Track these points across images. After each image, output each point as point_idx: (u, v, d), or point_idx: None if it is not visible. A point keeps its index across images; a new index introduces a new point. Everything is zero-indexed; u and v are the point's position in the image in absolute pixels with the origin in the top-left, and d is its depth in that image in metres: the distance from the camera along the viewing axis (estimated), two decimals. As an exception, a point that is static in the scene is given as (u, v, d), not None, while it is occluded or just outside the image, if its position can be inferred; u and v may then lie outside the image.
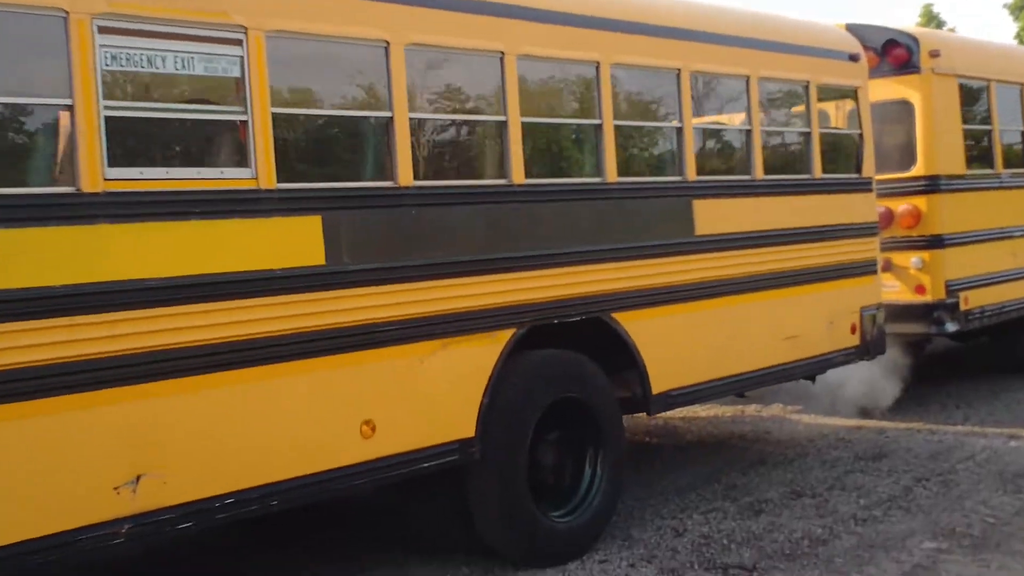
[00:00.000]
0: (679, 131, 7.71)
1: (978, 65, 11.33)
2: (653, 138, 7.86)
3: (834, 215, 9.11)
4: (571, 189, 6.93)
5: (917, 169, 10.56)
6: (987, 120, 11.50)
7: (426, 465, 6.05)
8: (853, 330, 9.29)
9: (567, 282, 6.79)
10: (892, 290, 10.57)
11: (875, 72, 10.51)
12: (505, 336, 6.40)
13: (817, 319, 8.86)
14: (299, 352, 5.53)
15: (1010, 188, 11.56)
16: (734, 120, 8.57)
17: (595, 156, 7.13)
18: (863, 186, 9.51)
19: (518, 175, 6.54)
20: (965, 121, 11.12)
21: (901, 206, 10.54)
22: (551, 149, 7.08)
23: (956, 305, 10.58)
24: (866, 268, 9.48)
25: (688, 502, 8.06)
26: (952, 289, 10.53)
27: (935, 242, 10.48)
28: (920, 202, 10.48)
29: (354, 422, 5.74)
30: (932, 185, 10.49)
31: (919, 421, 10.63)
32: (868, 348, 9.44)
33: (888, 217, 10.56)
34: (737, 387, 8.16)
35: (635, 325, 7.21)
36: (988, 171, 11.37)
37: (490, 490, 6.39)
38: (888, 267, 10.62)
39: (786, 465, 9.15)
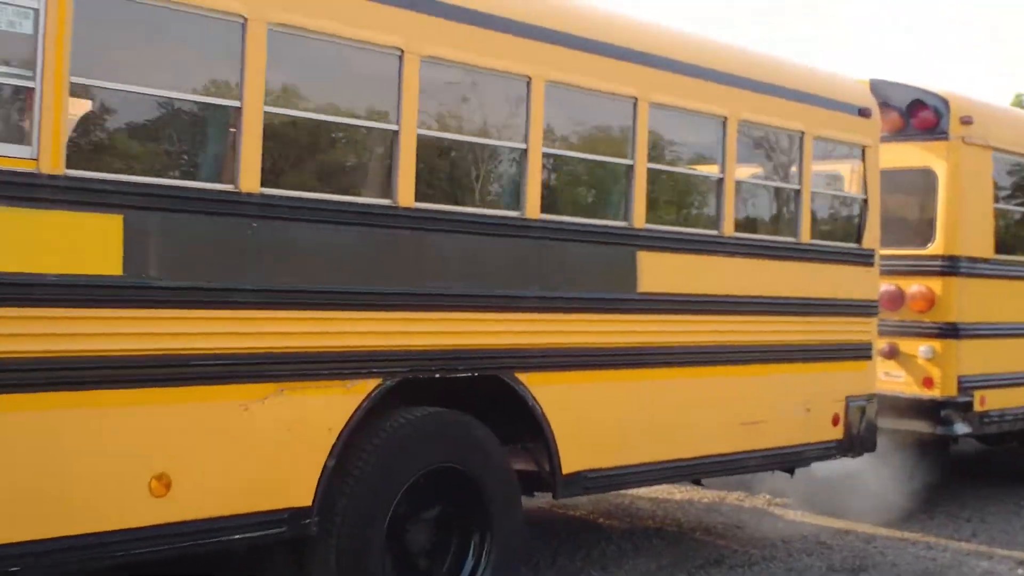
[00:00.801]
0: (629, 169, 6.57)
1: (1020, 138, 10.05)
2: (596, 174, 6.73)
3: (822, 288, 7.91)
4: (476, 220, 5.82)
5: (935, 247, 9.30)
6: (1025, 201, 10.21)
7: (239, 536, 4.92)
8: (835, 421, 8.04)
9: (457, 329, 5.68)
10: (896, 380, 9.29)
11: (898, 135, 9.33)
12: (366, 387, 5.29)
13: (788, 405, 7.64)
14: (75, 381, 4.46)
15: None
16: (704, 167, 7.40)
17: (514, 186, 6.02)
18: (863, 258, 8.28)
19: (405, 196, 5.46)
20: (999, 200, 9.83)
21: (913, 286, 9.28)
22: (456, 171, 5.98)
23: (969, 404, 9.26)
24: (858, 352, 8.24)
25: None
26: (965, 386, 9.22)
27: (949, 331, 9.19)
28: (935, 284, 9.21)
29: (142, 475, 4.65)
30: (950, 266, 9.22)
31: (918, 531, 9.30)
32: (853, 443, 8.18)
33: (898, 298, 9.30)
34: (676, 474, 6.95)
35: (545, 390, 6.06)
36: (1020, 258, 10.05)
37: (328, 573, 5.24)
38: (893, 354, 9.35)
39: (744, 570, 7.88)
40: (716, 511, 9.81)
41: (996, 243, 9.73)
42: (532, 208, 6.01)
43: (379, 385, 5.33)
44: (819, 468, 9.13)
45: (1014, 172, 10.11)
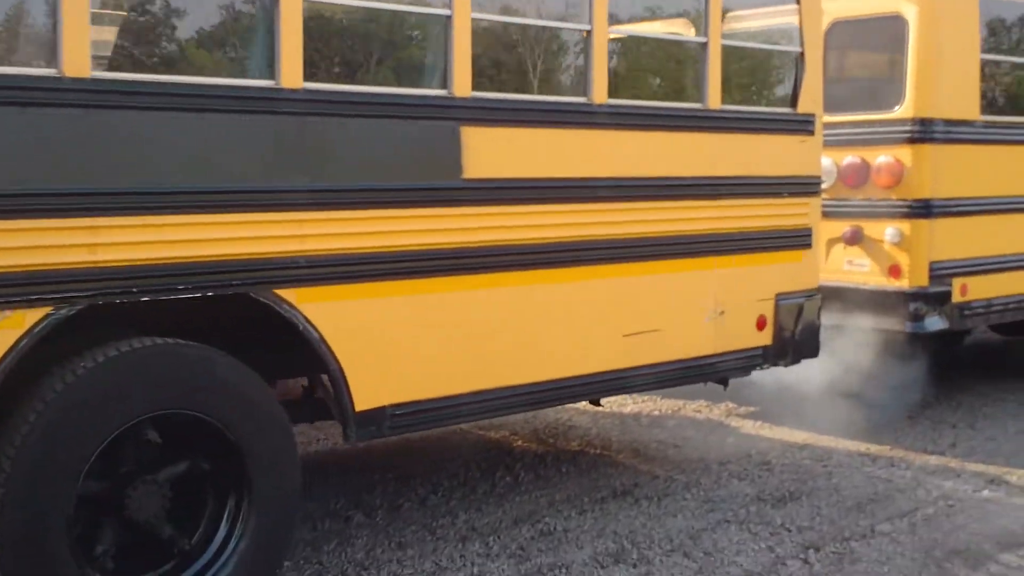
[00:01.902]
0: (447, 22, 5.14)
1: (1017, -26, 8.35)
2: (400, 30, 5.29)
3: (739, 164, 6.46)
4: (195, 93, 4.46)
5: (904, 109, 7.73)
6: (1022, 51, 8.51)
7: None
8: (761, 324, 6.65)
9: (175, 237, 4.36)
10: (860, 270, 7.83)
11: (861, -26, 7.71)
12: (23, 320, 4.01)
13: (691, 309, 6.29)
14: None
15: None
16: (565, 17, 5.93)
17: (265, 46, 4.64)
18: (798, 126, 6.79)
19: (75, 65, 4.11)
20: (987, 50, 8.17)
21: (879, 158, 7.74)
22: (167, 31, 4.62)
23: (945, 295, 7.78)
24: (792, 240, 6.80)
25: (463, 550, 5.68)
26: (940, 273, 7.74)
27: (919, 209, 7.68)
28: (903, 153, 7.67)
29: None
30: (922, 131, 7.66)
31: (889, 443, 7.96)
32: (785, 349, 6.80)
33: (863, 172, 7.81)
34: (529, 402, 5.64)
35: (324, 310, 4.78)
36: (1016, 119, 8.41)
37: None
38: (857, 239, 7.88)
39: (652, 503, 6.63)
40: (660, 426, 8.53)
41: (983, 102, 8.09)
42: (290, 75, 4.63)
43: (48, 315, 4.05)
44: (792, 373, 7.88)
45: (1008, 16, 8.39)
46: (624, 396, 8.70)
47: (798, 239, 6.84)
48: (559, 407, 8.27)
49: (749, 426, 8.54)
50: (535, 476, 7.13)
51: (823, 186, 7.84)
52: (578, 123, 5.70)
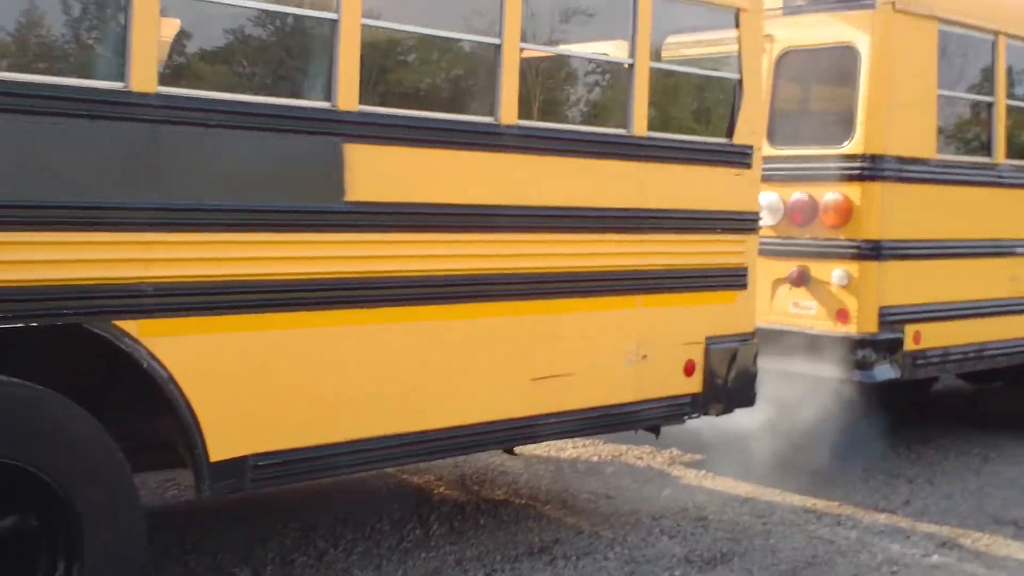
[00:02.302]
0: (333, 26, 4.64)
1: (977, 9, 7.87)
2: (273, 29, 4.79)
3: (667, 195, 5.97)
4: (14, 92, 3.94)
5: (854, 144, 7.25)
6: (986, 88, 8.04)
7: None
8: (690, 370, 6.12)
9: (-9, 258, 3.82)
10: (806, 313, 7.32)
11: (813, 4, 7.24)
12: None
13: (610, 351, 5.77)
14: None
15: (1015, 185, 8.09)
16: (471, 28, 5.44)
17: (115, 42, 4.13)
18: (733, 158, 6.29)
19: None
20: (946, 85, 7.70)
21: (827, 195, 7.24)
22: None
23: (896, 343, 7.26)
24: (725, 279, 6.29)
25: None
26: (890, 319, 7.23)
27: (868, 250, 7.18)
28: (852, 191, 7.19)
29: None
30: (872, 168, 7.18)
31: (839, 498, 7.43)
32: (717, 397, 6.28)
33: (811, 209, 7.31)
34: (410, 454, 5.09)
35: (173, 344, 4.22)
36: (977, 159, 7.93)
37: None
38: (803, 280, 7.36)
39: (569, 563, 6.13)
40: (597, 473, 7.98)
41: (940, 140, 7.61)
42: (143, 78, 4.11)
43: None
44: (741, 421, 7.38)
45: (970, 50, 7.93)
46: (566, 440, 8.13)
47: (732, 279, 6.33)
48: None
49: (691, 476, 8.00)
50: (449, 529, 6.58)
51: (768, 223, 7.36)
52: (482, 145, 5.20)
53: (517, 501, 7.19)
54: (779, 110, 7.63)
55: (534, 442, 6.00)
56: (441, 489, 7.47)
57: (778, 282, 7.54)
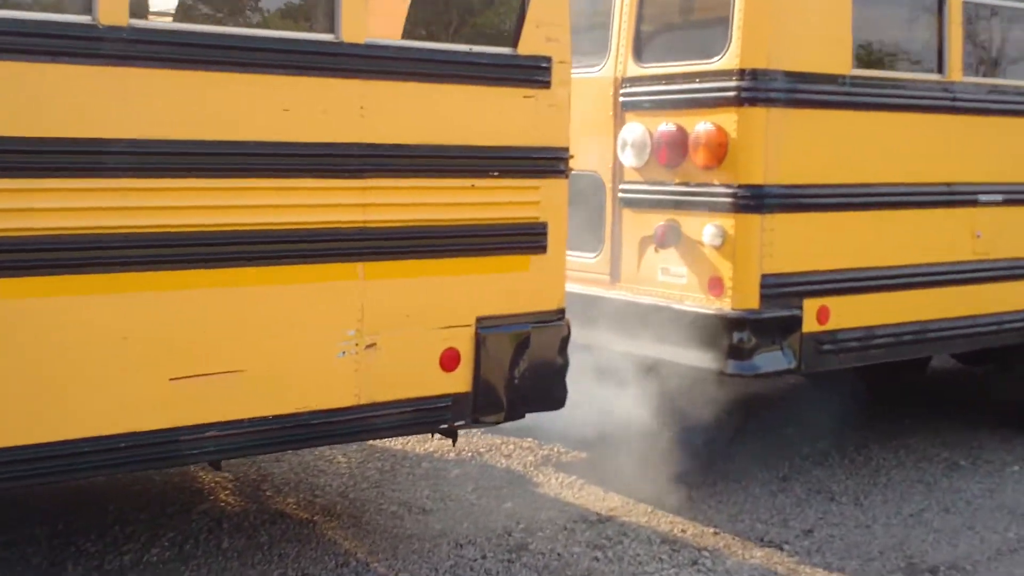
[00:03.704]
0: None
1: None
2: None
3: (403, 125, 4.27)
4: None
5: (728, 57, 5.44)
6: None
7: None
8: (449, 363, 4.50)
9: None
10: (676, 282, 5.57)
11: None
12: None
13: (309, 337, 4.15)
14: None
15: (979, 111, 6.17)
16: None
17: None
18: (522, 74, 4.57)
19: None
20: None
21: (697, 125, 5.46)
22: None
23: (790, 322, 5.48)
24: (507, 239, 4.64)
25: None
26: (780, 291, 5.45)
27: (747, 199, 5.41)
28: (726, 119, 5.38)
29: None
30: (752, 88, 5.38)
31: (717, 524, 5.80)
32: (497, 400, 4.63)
33: (680, 144, 5.54)
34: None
35: None
36: (920, 76, 6.03)
37: None
38: (671, 239, 5.63)
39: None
40: (438, 476, 6.43)
41: (861, 49, 5.75)
42: None
43: None
44: (648, 413, 6.14)
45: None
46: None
47: (520, 239, 4.65)
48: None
49: (554, 483, 6.39)
50: (176, 553, 5.07)
51: (633, 163, 5.63)
52: (85, 55, 3.59)
53: (301, 515, 5.64)
54: (647, 16, 5.85)
55: (175, 464, 4.40)
56: (225, 495, 5.96)
57: (645, 241, 5.81)
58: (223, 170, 3.96)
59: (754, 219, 5.36)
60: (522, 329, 4.69)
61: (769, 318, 5.43)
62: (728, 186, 5.40)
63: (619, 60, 5.98)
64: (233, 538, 5.27)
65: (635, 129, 5.77)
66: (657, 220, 5.68)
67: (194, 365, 3.95)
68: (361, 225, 4.26)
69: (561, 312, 4.84)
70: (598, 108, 5.98)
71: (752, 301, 5.38)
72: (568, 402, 6.47)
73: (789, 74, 5.39)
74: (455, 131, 4.45)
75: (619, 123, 5.90)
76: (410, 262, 4.39)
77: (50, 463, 3.77)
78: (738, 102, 5.34)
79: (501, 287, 4.64)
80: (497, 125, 4.55)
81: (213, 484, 6.10)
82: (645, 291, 5.79)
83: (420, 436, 6.70)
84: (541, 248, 4.73)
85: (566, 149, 4.78)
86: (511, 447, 6.99)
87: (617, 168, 5.93)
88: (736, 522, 5.77)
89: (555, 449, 6.92)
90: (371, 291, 4.31)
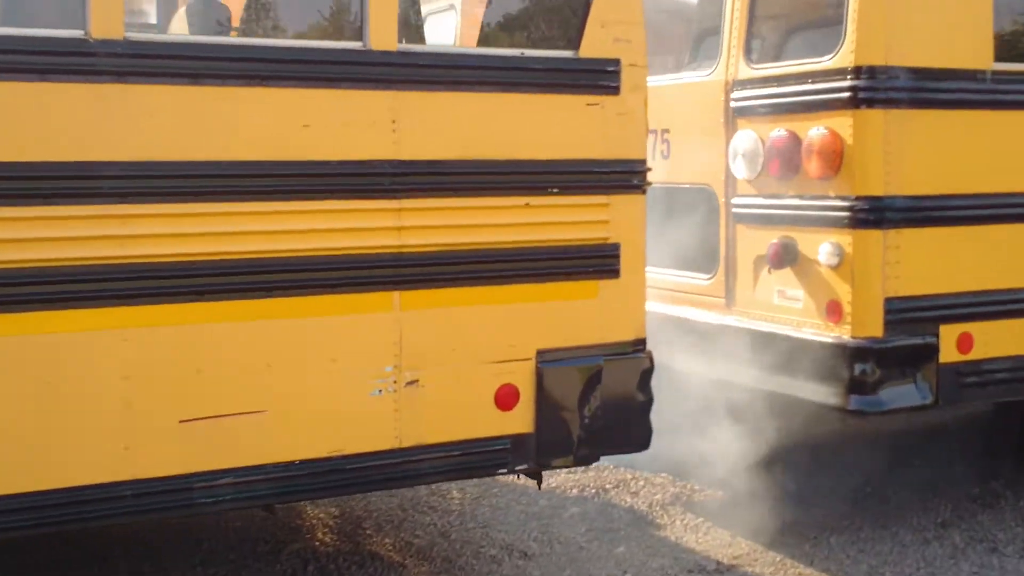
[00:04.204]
0: None
1: None
2: None
3: (443, 139, 3.90)
4: None
5: (843, 53, 4.83)
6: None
7: None
8: (506, 401, 4.08)
9: None
10: (793, 306, 4.99)
11: None
12: None
13: (339, 374, 3.81)
14: None
15: None
16: None
17: None
18: (585, 80, 4.14)
19: None
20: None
21: (811, 130, 4.88)
22: None
23: (924, 352, 4.81)
24: (574, 263, 4.19)
25: None
26: (910, 316, 4.79)
27: (866, 212, 4.78)
28: (841, 123, 4.77)
29: None
30: (869, 88, 4.74)
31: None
32: (566, 441, 4.19)
33: (793, 153, 4.96)
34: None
35: None
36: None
37: None
38: (787, 258, 5.05)
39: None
40: (554, 516, 6.01)
41: (1001, 42, 5.03)
42: None
43: None
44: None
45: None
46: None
47: (587, 262, 4.18)
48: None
49: (681, 524, 5.89)
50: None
51: (745, 175, 5.08)
52: (68, 71, 3.36)
53: (393, 557, 5.33)
54: (760, 14, 5.27)
55: (188, 513, 4.08)
56: (324, 531, 5.69)
57: (760, 261, 5.23)
58: (233, 193, 3.64)
59: (874, 235, 4.71)
60: (592, 363, 4.21)
61: (896, 347, 4.77)
62: (844, 198, 4.77)
63: (730, 62, 5.42)
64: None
65: (747, 137, 5.20)
66: (771, 238, 5.08)
67: (208, 406, 3.64)
68: (396, 250, 3.88)
69: (641, 343, 4.33)
70: (709, 115, 5.44)
71: (875, 328, 4.73)
72: (704, 436, 5.98)
73: (913, 71, 4.73)
74: (504, 145, 4.02)
75: (731, 131, 5.34)
76: (455, 290, 3.98)
77: (50, 512, 3.51)
78: (854, 104, 4.71)
79: (565, 316, 4.17)
80: (555, 137, 4.09)
81: (314, 521, 5.83)
82: (760, 316, 5.20)
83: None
84: (613, 272, 4.23)
85: (642, 161, 4.29)
86: (641, 483, 6.47)
87: (730, 180, 5.37)
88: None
89: (688, 487, 6.37)
90: (409, 322, 3.91)
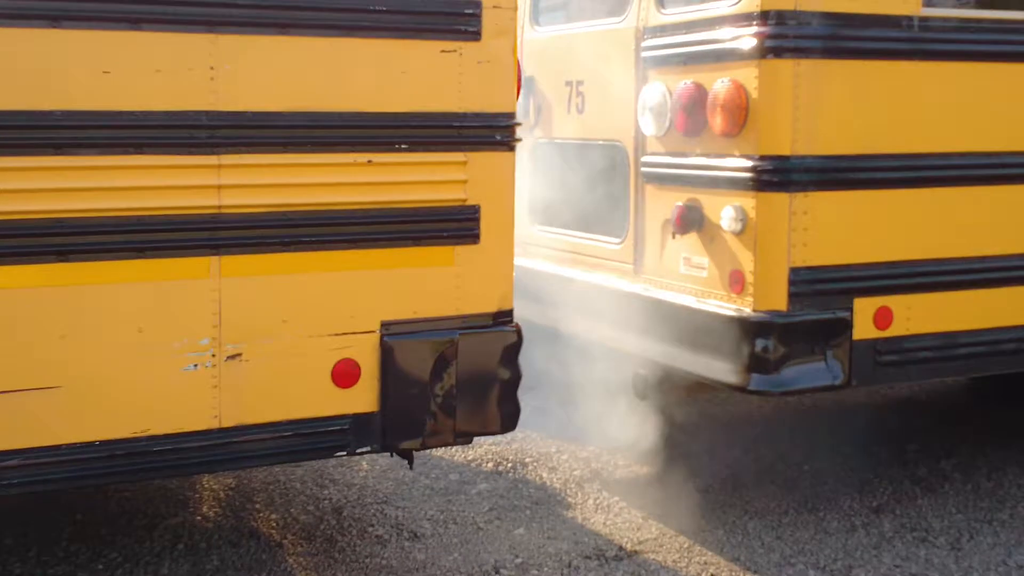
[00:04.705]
0: None
1: None
2: None
3: (266, 88, 3.50)
4: None
5: (752, -3, 4.38)
6: None
7: None
8: (343, 377, 3.69)
9: None
10: (698, 275, 4.58)
11: None
12: None
13: (148, 346, 3.45)
14: None
15: None
16: None
17: None
18: (439, 23, 3.71)
19: None
20: None
21: (716, 82, 4.43)
22: None
23: (835, 327, 4.38)
24: (424, 227, 3.78)
25: None
26: (820, 288, 4.37)
27: (771, 172, 4.32)
28: (746, 74, 4.33)
29: None
30: (777, 35, 4.29)
31: (752, 567, 4.85)
32: (413, 422, 3.82)
33: (699, 106, 4.52)
34: None
35: None
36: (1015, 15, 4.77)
37: None
38: (691, 222, 4.62)
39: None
40: (445, 495, 5.65)
41: (933, -19, 4.56)
42: None
43: None
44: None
45: None
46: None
47: (440, 225, 3.77)
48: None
49: (593, 504, 5.60)
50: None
51: (653, 132, 4.64)
52: None
53: (273, 535, 5.00)
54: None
55: None
56: (209, 505, 5.37)
57: (667, 225, 4.80)
58: (13, 146, 3.24)
59: (779, 198, 4.28)
60: (445, 336, 3.82)
61: (802, 321, 4.34)
62: (749, 157, 4.33)
63: (641, 7, 4.96)
64: (177, 563, 4.63)
65: (655, 90, 4.77)
66: (678, 200, 4.65)
67: (-15, 381, 3.27)
68: (214, 211, 3.47)
69: (506, 315, 3.93)
70: (620, 65, 5.00)
71: (779, 300, 4.31)
72: (627, 410, 5.61)
73: (829, 16, 4.27)
74: (342, 96, 3.62)
75: (641, 83, 4.89)
76: (284, 256, 3.59)
77: None
78: (760, 53, 4.27)
79: (415, 286, 3.78)
80: (402, 87, 3.68)
81: (205, 492, 5.50)
82: (665, 285, 4.78)
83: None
84: (471, 237, 3.83)
85: (508, 115, 3.86)
86: (564, 456, 6.10)
87: (639, 137, 4.94)
88: (785, 567, 4.72)
89: (612, 462, 5.99)
90: (230, 291, 3.53)
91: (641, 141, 4.94)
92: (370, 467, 5.87)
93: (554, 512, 5.38)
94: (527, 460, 6.03)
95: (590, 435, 6.02)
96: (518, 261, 5.82)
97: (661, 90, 4.73)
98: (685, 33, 4.64)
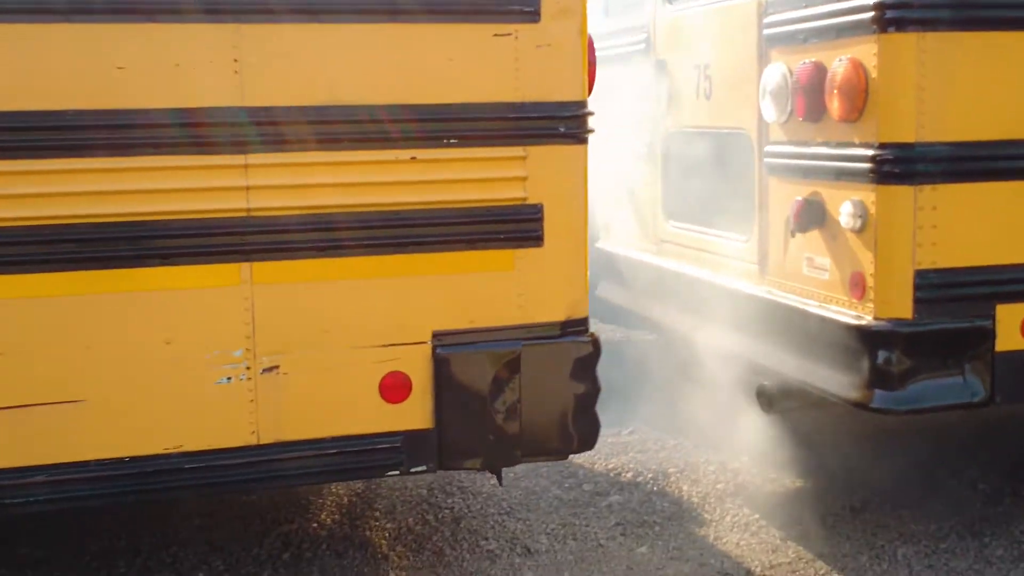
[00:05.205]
0: None
1: None
2: None
3: (295, 82, 3.29)
4: None
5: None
6: None
7: None
8: (394, 392, 3.47)
9: None
10: (820, 277, 4.13)
11: None
12: None
13: (173, 359, 3.31)
14: None
15: None
16: None
17: None
18: (481, 5, 3.40)
19: None
20: None
21: (835, 61, 3.96)
22: None
23: (974, 336, 3.85)
24: (481, 230, 3.51)
25: None
26: (953, 292, 3.83)
27: (892, 163, 3.81)
28: (865, 51, 3.83)
29: None
30: (901, 4, 3.76)
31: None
32: (473, 441, 3.55)
33: (817, 89, 4.06)
34: None
35: None
36: None
37: None
38: (812, 219, 4.16)
39: None
40: (572, 507, 5.35)
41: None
42: None
43: None
44: None
45: None
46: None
47: (497, 227, 3.47)
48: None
49: (730, 520, 5.15)
50: None
51: (774, 118, 4.22)
52: None
53: (382, 549, 4.81)
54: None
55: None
56: (328, 513, 5.25)
57: (789, 222, 4.34)
58: (31, 149, 3.13)
59: (902, 191, 3.75)
60: (506, 347, 3.49)
61: (932, 331, 3.79)
62: (868, 146, 3.81)
63: (765, -21, 4.49)
64: (278, 573, 4.51)
65: (776, 72, 4.29)
66: (799, 194, 4.17)
67: (9, 395, 3.17)
68: (242, 214, 3.27)
69: (577, 324, 3.58)
70: (742, 46, 4.54)
71: (902, 307, 3.78)
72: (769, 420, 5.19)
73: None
74: (382, 88, 3.36)
75: (763, 64, 4.43)
76: (321, 261, 3.35)
77: None
78: (880, 26, 3.74)
79: (470, 293, 3.48)
80: (451, 76, 3.38)
81: (328, 499, 5.35)
82: (790, 288, 4.30)
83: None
84: (533, 239, 3.49)
85: (576, 104, 3.50)
86: (712, 467, 5.67)
87: (762, 124, 4.47)
88: None
89: (762, 475, 5.53)
90: (264, 299, 3.32)
91: (763, 129, 4.47)
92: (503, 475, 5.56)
93: (685, 529, 4.97)
94: (670, 470, 5.63)
95: (739, 446, 5.59)
96: (653, 260, 5.43)
97: (782, 71, 4.26)
98: (806, 7, 4.14)
